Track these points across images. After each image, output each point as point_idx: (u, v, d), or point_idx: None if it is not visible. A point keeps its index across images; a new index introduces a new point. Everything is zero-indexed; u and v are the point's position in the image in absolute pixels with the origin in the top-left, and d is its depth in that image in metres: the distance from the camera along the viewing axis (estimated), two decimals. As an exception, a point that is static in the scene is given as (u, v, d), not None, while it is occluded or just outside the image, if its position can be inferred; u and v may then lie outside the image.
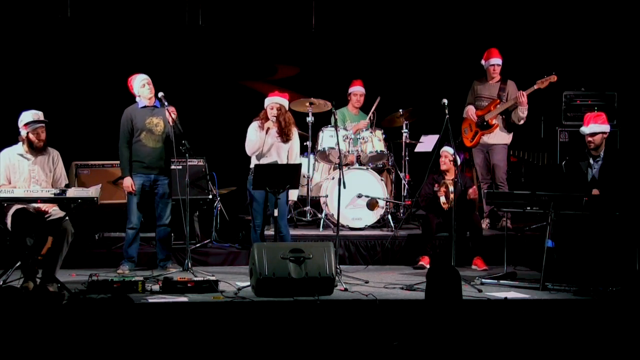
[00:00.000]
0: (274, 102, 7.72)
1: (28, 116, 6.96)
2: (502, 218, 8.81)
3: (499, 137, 9.01)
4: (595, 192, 7.34)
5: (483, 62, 9.04)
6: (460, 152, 8.30)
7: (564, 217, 7.11)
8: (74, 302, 4.22)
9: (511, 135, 9.07)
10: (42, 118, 7.00)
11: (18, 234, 6.76)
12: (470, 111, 9.04)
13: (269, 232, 8.03)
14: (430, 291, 4.37)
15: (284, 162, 7.80)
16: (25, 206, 6.83)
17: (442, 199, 8.17)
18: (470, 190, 8.16)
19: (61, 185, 7.07)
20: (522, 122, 8.91)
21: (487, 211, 9.18)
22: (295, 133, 7.88)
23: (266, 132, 7.68)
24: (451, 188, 7.83)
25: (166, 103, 7.61)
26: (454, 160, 7.75)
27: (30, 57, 9.53)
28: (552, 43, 10.12)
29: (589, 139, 7.50)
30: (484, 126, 8.98)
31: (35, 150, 6.98)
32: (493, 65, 8.96)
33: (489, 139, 9.01)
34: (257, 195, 7.70)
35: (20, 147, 7.02)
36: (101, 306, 3.88)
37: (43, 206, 6.87)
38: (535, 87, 8.75)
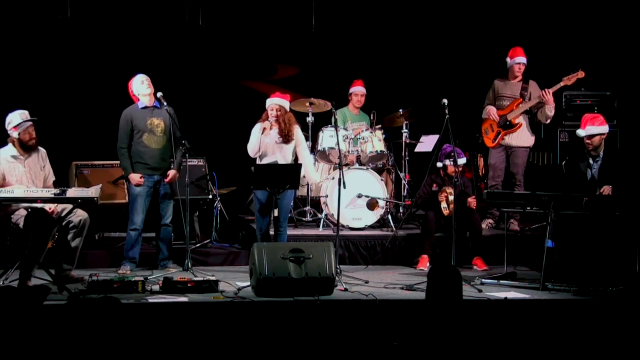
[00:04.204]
0: (274, 103, 7.74)
1: (16, 117, 6.92)
2: (510, 219, 8.70)
3: (522, 139, 8.88)
4: (606, 189, 7.32)
5: (508, 60, 8.90)
6: (459, 152, 8.26)
7: (564, 217, 7.10)
8: (74, 302, 4.21)
9: (534, 137, 8.97)
10: (28, 117, 6.97)
11: (33, 234, 6.64)
12: (492, 111, 8.86)
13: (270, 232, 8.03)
14: (431, 291, 4.37)
15: (288, 162, 7.79)
16: (37, 206, 6.77)
17: (443, 204, 8.15)
18: (470, 199, 8.14)
19: (49, 182, 7.09)
20: (549, 121, 8.80)
21: (490, 211, 9.15)
22: (297, 132, 7.86)
23: (262, 133, 7.69)
24: (451, 197, 7.80)
25: (165, 103, 7.63)
26: (454, 162, 7.70)
27: (30, 57, 9.52)
28: (552, 43, 10.11)
29: (587, 141, 7.49)
30: (507, 126, 8.83)
31: (28, 149, 6.95)
32: (519, 63, 8.82)
33: (511, 139, 8.87)
34: (260, 196, 7.70)
35: (11, 149, 6.98)
36: (88, 307, 3.87)
37: (50, 207, 6.84)
38: (562, 84, 8.62)
